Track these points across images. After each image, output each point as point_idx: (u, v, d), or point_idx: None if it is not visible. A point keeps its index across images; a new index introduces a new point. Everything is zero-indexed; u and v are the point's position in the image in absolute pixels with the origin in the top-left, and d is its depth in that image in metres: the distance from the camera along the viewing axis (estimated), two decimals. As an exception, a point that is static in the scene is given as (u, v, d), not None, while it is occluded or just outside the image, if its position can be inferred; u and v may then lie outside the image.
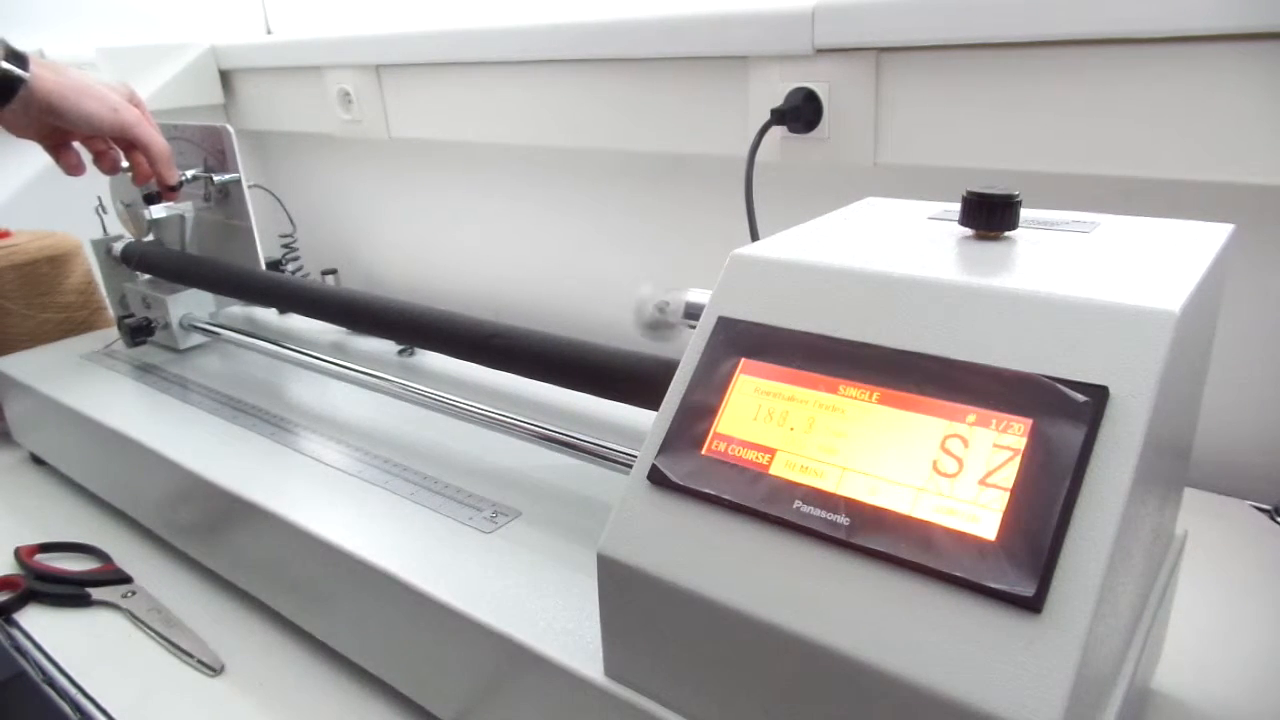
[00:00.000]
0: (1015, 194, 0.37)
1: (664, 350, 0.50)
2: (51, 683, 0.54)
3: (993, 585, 0.27)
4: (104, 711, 0.52)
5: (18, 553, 0.66)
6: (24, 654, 0.56)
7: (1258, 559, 0.56)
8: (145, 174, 0.72)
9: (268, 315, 0.90)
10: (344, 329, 0.82)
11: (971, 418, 0.30)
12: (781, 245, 0.39)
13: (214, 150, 0.81)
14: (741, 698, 0.33)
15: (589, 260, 0.98)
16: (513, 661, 0.42)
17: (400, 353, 0.78)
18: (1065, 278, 0.32)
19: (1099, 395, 0.28)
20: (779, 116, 0.71)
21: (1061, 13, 0.58)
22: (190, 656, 0.55)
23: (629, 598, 0.35)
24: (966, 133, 0.66)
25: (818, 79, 0.71)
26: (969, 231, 0.39)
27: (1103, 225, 0.40)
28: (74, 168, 0.71)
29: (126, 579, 0.64)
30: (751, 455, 0.33)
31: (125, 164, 0.77)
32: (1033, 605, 0.27)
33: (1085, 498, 0.28)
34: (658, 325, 0.48)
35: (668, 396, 0.37)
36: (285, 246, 1.06)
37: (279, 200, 1.06)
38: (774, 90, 0.73)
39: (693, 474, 0.34)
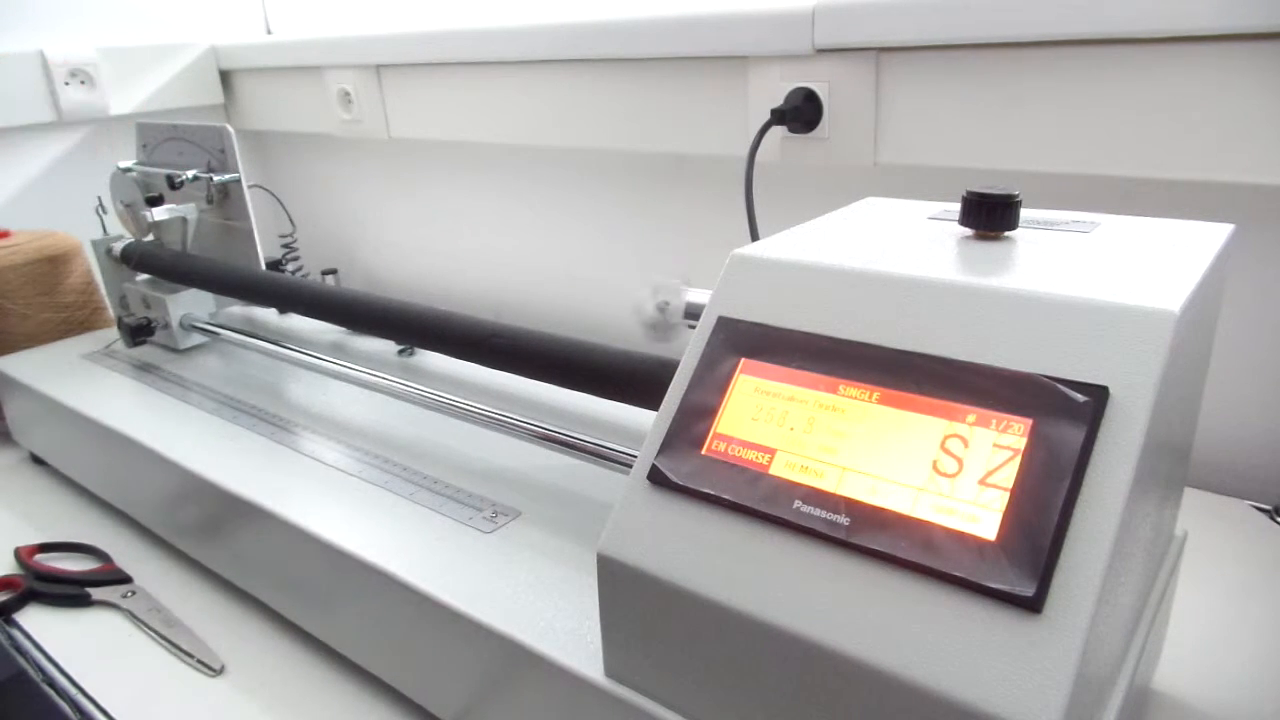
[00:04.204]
0: (1015, 194, 0.37)
1: (664, 350, 0.50)
2: (51, 683, 0.54)
3: (993, 585, 0.27)
4: (104, 711, 0.52)
5: (18, 553, 0.66)
6: (24, 654, 0.56)
7: (1258, 559, 0.56)
8: None
9: (268, 315, 0.90)
10: (344, 329, 0.82)
11: (971, 418, 0.30)
12: (781, 245, 0.39)
13: (214, 150, 0.81)
14: (741, 698, 0.33)
15: (589, 260, 0.98)
16: (513, 661, 0.42)
17: (400, 353, 0.78)
18: (1065, 278, 0.32)
19: (1099, 395, 0.28)
20: (779, 116, 0.71)
21: (1062, 13, 0.58)
22: (190, 656, 0.55)
23: (629, 598, 0.35)
24: (966, 133, 0.66)
25: (818, 79, 0.71)
26: (969, 231, 0.39)
27: (1103, 225, 0.40)
28: None
29: (126, 579, 0.64)
30: (751, 455, 0.33)
31: (123, 163, 0.77)
32: (1033, 605, 0.27)
33: (1085, 498, 0.28)
34: (658, 325, 0.48)
35: (668, 396, 0.37)
36: (285, 246, 1.06)
37: (279, 200, 1.06)
38: (774, 90, 0.73)
39: (693, 474, 0.34)
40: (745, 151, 0.70)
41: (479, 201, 1.06)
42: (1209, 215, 0.39)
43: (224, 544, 0.61)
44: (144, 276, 0.86)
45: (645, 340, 0.48)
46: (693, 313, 0.47)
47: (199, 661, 0.55)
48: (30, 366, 0.81)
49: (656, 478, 0.35)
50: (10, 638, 0.58)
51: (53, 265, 0.88)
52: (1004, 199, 0.37)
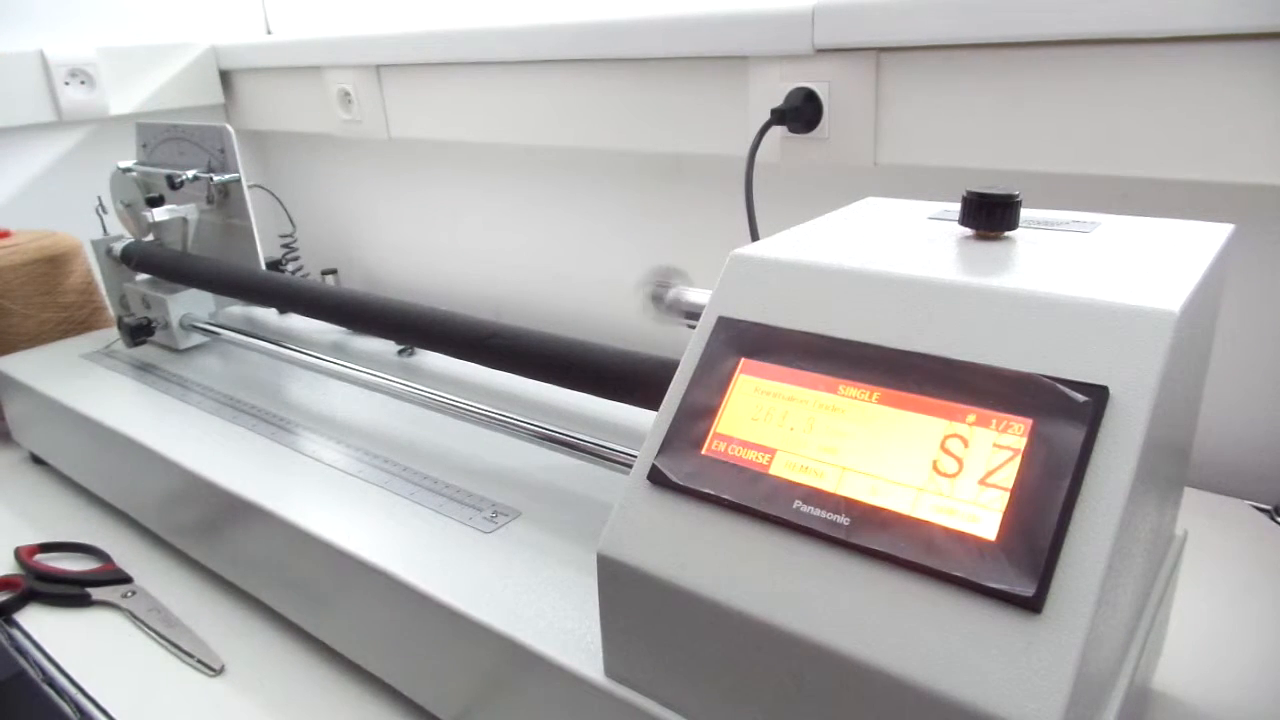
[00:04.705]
0: (1015, 194, 0.37)
1: (663, 349, 0.50)
2: (51, 683, 0.54)
3: (993, 585, 0.27)
4: (104, 711, 0.52)
5: (18, 553, 0.66)
6: (24, 654, 0.56)
7: (1258, 559, 0.56)
8: None
9: (268, 315, 0.90)
10: (344, 329, 0.82)
11: (971, 418, 0.30)
12: (781, 245, 0.39)
13: (214, 150, 0.81)
14: (741, 698, 0.33)
15: (589, 260, 0.98)
16: (513, 661, 0.42)
17: (400, 353, 0.78)
18: (1065, 278, 0.32)
19: (1099, 395, 0.28)
20: (779, 116, 0.71)
21: (1061, 13, 0.58)
22: (190, 656, 0.55)
23: (629, 598, 0.35)
24: (966, 133, 0.66)
25: (818, 79, 0.71)
26: (969, 231, 0.39)
27: (1103, 225, 0.40)
28: None
29: (126, 579, 0.64)
30: (751, 455, 0.33)
31: (123, 163, 0.77)
32: (1033, 605, 0.27)
33: (1085, 498, 0.28)
34: (658, 298, 0.48)
35: (668, 396, 0.37)
36: (285, 246, 1.06)
37: (279, 200, 1.06)
38: (774, 90, 0.73)
39: (693, 474, 0.34)
40: (745, 151, 0.70)
41: (479, 201, 1.06)
42: (1209, 215, 0.39)
43: (224, 544, 0.61)
44: (144, 276, 0.86)
45: (645, 340, 0.48)
46: (693, 313, 0.47)
47: (199, 661, 0.55)
48: (30, 366, 0.81)
49: (656, 478, 0.35)
50: (10, 638, 0.58)
51: (53, 265, 0.88)
52: (1004, 199, 0.37)
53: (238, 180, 0.80)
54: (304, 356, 0.71)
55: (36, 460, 0.83)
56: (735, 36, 0.73)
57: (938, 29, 0.63)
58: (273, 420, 0.67)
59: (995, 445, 0.29)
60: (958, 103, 0.66)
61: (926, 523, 0.29)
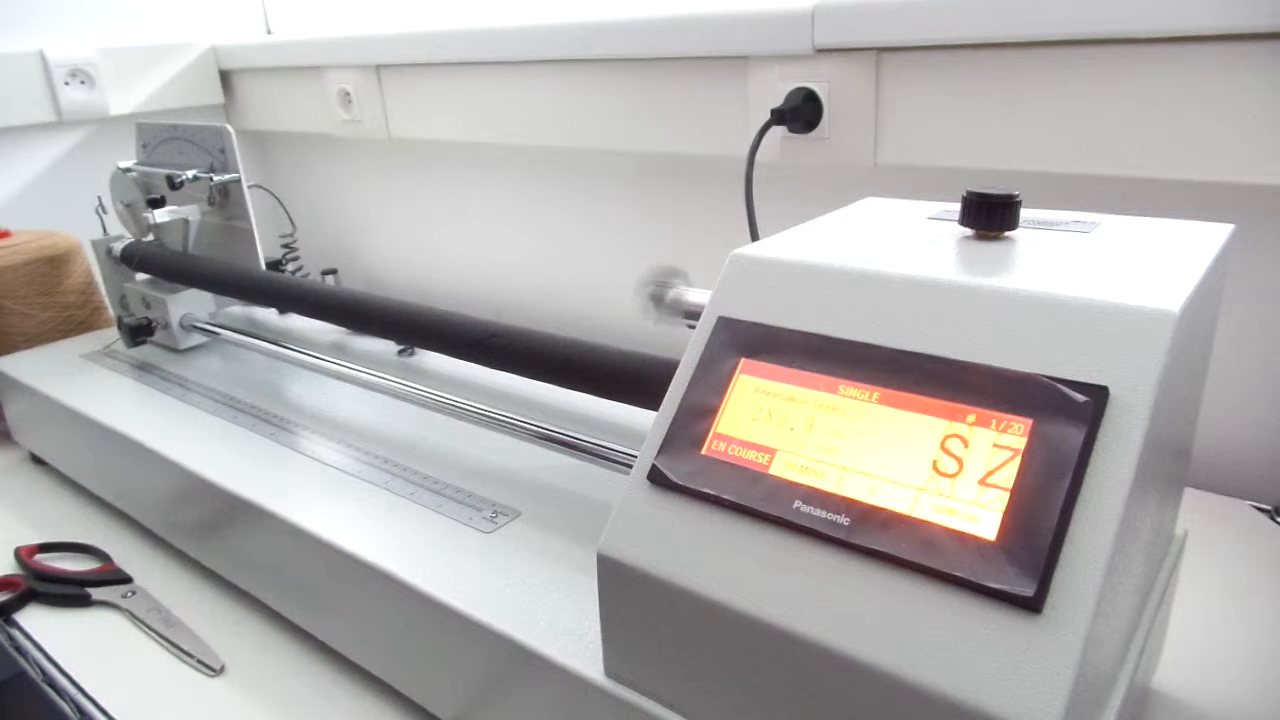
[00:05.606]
0: (1015, 194, 0.37)
1: (663, 349, 0.50)
2: (51, 683, 0.54)
3: (993, 585, 0.27)
4: (104, 711, 0.52)
5: (18, 553, 0.66)
6: (24, 654, 0.56)
7: (1258, 559, 0.56)
8: None
9: (268, 315, 0.90)
10: (344, 329, 0.82)
11: (971, 418, 0.30)
12: (781, 245, 0.39)
13: (214, 150, 0.81)
14: (741, 698, 0.33)
15: (589, 260, 0.98)
16: (513, 661, 0.42)
17: (400, 353, 0.78)
18: (1065, 278, 0.32)
19: (1099, 395, 0.28)
20: (779, 116, 0.71)
21: (1061, 13, 0.58)
22: (190, 656, 0.55)
23: (629, 598, 0.35)
24: (966, 133, 0.66)
25: (818, 79, 0.71)
26: (969, 231, 0.39)
27: (1103, 225, 0.40)
28: None
29: (126, 579, 0.64)
30: (751, 455, 0.33)
31: (123, 163, 0.77)
32: (1033, 605, 0.27)
33: (1085, 498, 0.28)
34: (657, 299, 0.48)
35: (668, 396, 0.37)
36: (285, 246, 1.06)
37: (279, 200, 1.06)
38: (774, 90, 0.73)
39: (693, 474, 0.34)
40: (745, 151, 0.70)
41: (479, 202, 1.06)
42: (1209, 215, 0.39)
43: (224, 544, 0.61)
44: (144, 276, 0.86)
45: (644, 339, 0.48)
46: (693, 313, 0.47)
47: (199, 661, 0.55)
48: (30, 366, 0.81)
49: (656, 478, 0.35)
50: (10, 638, 0.58)
51: (53, 265, 0.88)
52: (1004, 199, 0.37)
53: (238, 180, 0.80)
54: (304, 356, 0.71)
55: (36, 460, 0.83)
56: (735, 36, 0.73)
57: (938, 29, 0.63)
58: (273, 420, 0.67)
59: (995, 445, 0.29)
60: (958, 103, 0.66)
61: (926, 523, 0.29)
